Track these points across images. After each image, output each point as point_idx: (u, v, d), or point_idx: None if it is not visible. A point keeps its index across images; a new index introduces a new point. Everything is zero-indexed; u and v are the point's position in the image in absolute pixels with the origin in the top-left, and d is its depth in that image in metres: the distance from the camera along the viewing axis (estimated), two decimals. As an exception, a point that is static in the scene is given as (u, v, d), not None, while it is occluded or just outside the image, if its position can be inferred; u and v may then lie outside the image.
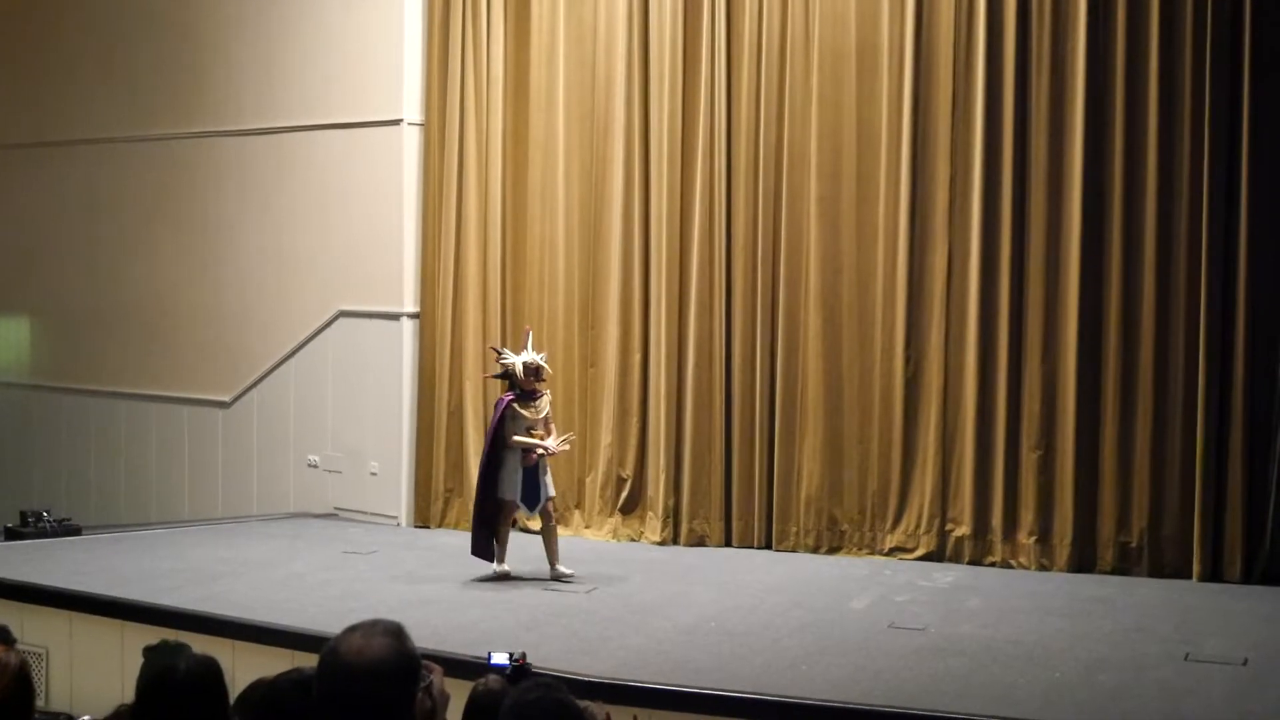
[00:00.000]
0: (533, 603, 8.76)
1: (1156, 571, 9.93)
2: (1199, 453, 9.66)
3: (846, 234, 10.83)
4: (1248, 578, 9.61)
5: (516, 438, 9.23)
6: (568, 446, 9.73)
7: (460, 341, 11.78)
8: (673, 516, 11.17)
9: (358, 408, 12.09)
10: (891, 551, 10.72)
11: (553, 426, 9.53)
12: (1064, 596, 9.25)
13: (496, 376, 9.65)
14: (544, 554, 9.48)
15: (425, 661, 2.82)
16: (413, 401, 11.92)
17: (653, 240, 11.34)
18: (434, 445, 11.84)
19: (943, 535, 10.57)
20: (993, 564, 10.37)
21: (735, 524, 11.10)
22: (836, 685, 7.01)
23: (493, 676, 4.21)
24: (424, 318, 11.97)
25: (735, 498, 11.10)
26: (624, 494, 11.37)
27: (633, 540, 11.24)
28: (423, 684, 2.76)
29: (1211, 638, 8.01)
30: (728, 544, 11.06)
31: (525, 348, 9.49)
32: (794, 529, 10.92)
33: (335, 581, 9.49)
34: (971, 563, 10.41)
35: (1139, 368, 10.03)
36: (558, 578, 9.31)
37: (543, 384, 9.49)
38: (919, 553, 10.64)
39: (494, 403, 9.81)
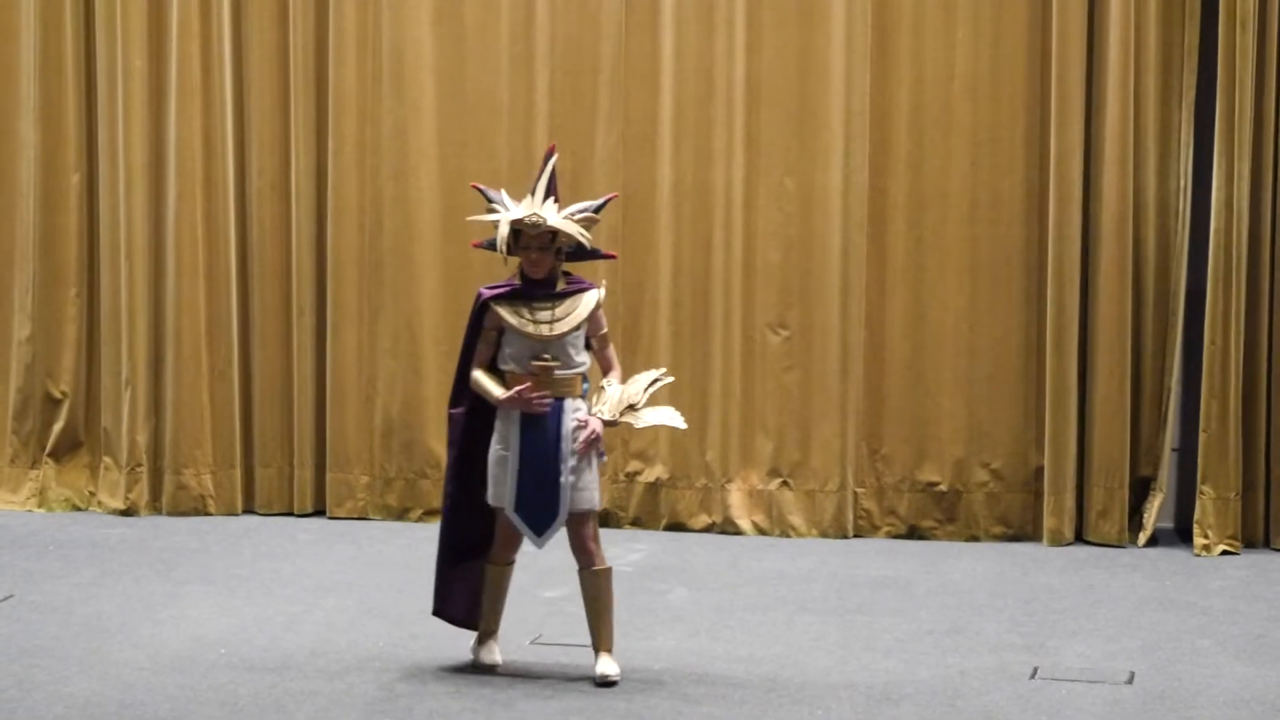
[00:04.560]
0: None
1: (982, 532, 10.45)
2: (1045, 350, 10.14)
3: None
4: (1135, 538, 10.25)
5: (499, 395, 7.50)
6: (680, 421, 7.91)
7: None
8: (148, 465, 11.11)
9: None
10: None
11: (612, 359, 7.75)
12: (827, 578, 9.58)
13: (482, 246, 7.93)
14: (581, 613, 7.86)
15: None
16: None
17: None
18: None
19: (623, 481, 10.80)
20: (709, 528, 10.72)
21: (260, 475, 11.18)
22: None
23: None
24: None
25: (260, 425, 11.15)
26: (57, 426, 11.34)
27: (77, 509, 11.24)
28: None
29: (1078, 639, 8.39)
30: (248, 510, 11.18)
31: (535, 189, 7.64)
32: (364, 479, 11.02)
33: None
34: (672, 528, 10.73)
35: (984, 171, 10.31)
36: (603, 680, 7.67)
37: (561, 260, 7.68)
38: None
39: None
